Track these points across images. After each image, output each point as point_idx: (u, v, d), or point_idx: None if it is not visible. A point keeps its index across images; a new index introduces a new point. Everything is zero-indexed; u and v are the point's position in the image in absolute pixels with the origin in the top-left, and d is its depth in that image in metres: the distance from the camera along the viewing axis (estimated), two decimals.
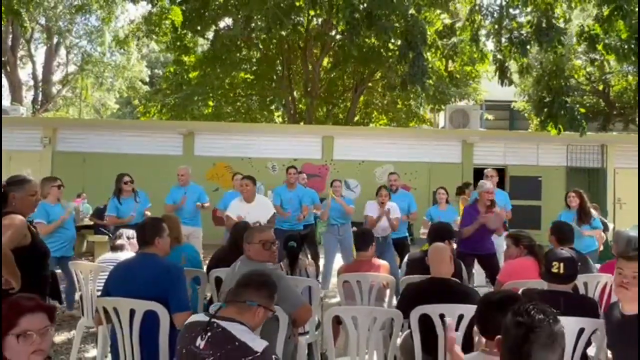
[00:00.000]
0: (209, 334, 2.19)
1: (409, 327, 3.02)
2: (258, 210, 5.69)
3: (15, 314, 1.85)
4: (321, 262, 7.17)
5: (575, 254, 4.22)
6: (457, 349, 2.16)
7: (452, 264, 3.30)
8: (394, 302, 3.92)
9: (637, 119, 18.20)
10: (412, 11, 9.20)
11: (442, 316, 2.85)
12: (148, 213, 6.34)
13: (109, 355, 3.47)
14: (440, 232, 4.25)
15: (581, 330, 2.63)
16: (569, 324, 2.66)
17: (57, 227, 5.36)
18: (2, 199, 2.97)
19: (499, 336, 1.73)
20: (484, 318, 2.06)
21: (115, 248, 4.37)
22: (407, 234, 6.97)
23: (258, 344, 2.16)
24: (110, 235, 6.88)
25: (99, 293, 3.44)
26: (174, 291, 2.97)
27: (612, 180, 12.82)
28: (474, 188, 9.76)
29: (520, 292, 2.99)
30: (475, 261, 5.67)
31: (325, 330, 3.10)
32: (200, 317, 2.34)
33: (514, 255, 4.06)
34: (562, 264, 2.85)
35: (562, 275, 2.87)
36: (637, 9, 7.03)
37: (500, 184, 10.34)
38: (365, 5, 8.08)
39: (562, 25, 9.25)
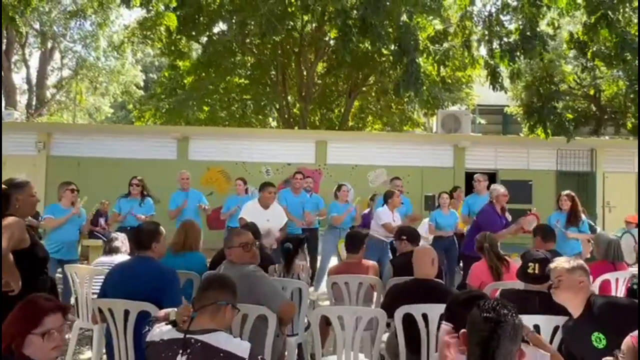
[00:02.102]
0: (188, 351, 2.12)
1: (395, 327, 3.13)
2: (275, 217, 5.77)
3: (40, 314, 2.01)
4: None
5: (555, 256, 4.37)
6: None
7: (435, 266, 3.42)
8: None
9: (627, 123, 18.42)
10: (404, 18, 9.37)
11: (424, 316, 2.97)
12: (142, 217, 6.45)
13: (104, 356, 3.56)
14: (412, 234, 4.43)
15: (556, 328, 2.76)
16: (544, 322, 2.79)
17: (63, 223, 5.54)
18: (5, 201, 3.07)
19: (463, 330, 1.86)
20: (453, 315, 2.20)
21: (110, 251, 4.46)
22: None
23: (243, 349, 2.13)
24: (104, 239, 6.97)
25: (95, 296, 3.54)
26: (168, 293, 3.07)
27: (602, 184, 12.99)
28: (464, 192, 9.93)
29: (499, 292, 3.13)
30: None
31: (312, 331, 3.21)
32: (172, 333, 2.24)
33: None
34: (537, 265, 3.00)
35: (537, 276, 3.01)
36: (621, 18, 7.21)
37: None
38: (359, 12, 8.22)
39: (550, 32, 9.44)
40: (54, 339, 2.00)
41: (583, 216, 6.25)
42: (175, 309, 2.43)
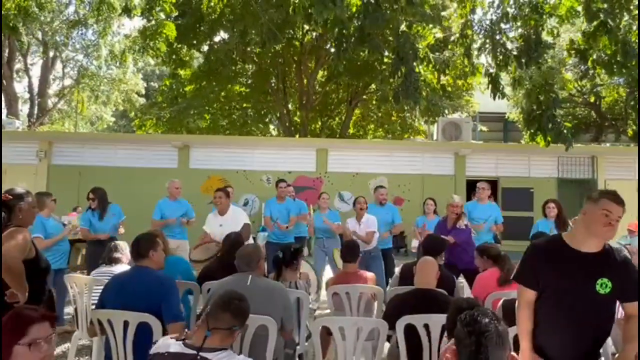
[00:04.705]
0: None
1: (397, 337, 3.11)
2: (230, 222, 5.70)
3: (24, 324, 1.96)
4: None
5: None
6: None
7: (437, 278, 3.40)
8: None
9: (628, 130, 18.45)
10: (403, 27, 9.37)
11: (426, 326, 2.95)
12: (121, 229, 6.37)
13: None
14: (432, 245, 4.38)
15: None
16: None
17: (50, 245, 5.42)
18: (8, 211, 3.07)
19: (453, 347, 1.83)
20: (453, 323, 2.17)
21: (110, 261, 4.44)
22: (391, 245, 7.05)
23: None
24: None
25: (94, 306, 3.52)
26: (167, 302, 3.06)
27: None
28: (465, 199, 9.91)
29: (501, 303, 3.10)
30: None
31: (313, 341, 3.19)
32: (179, 347, 2.29)
33: (482, 268, 4.17)
34: None
35: None
36: (621, 26, 7.21)
37: (493, 196, 10.47)
38: (358, 22, 8.22)
39: (550, 40, 9.45)
40: (41, 349, 1.95)
41: (570, 222, 6.25)
42: (187, 331, 2.51)
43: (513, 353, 1.85)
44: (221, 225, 5.57)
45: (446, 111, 15.50)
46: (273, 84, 18.06)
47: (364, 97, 18.26)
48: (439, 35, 12.11)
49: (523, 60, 8.44)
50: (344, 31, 7.70)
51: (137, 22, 45.93)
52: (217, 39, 16.87)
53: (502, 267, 3.89)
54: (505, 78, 9.96)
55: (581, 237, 2.42)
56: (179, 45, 15.57)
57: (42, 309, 2.10)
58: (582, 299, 2.36)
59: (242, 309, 2.44)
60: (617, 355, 2.51)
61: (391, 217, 6.83)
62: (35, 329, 1.96)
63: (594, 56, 8.30)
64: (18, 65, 23.35)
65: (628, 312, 2.43)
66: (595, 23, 7.39)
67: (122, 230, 6.39)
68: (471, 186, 11.97)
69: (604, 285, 2.33)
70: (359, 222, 6.37)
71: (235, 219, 5.82)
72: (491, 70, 9.19)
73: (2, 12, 9.05)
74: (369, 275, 4.24)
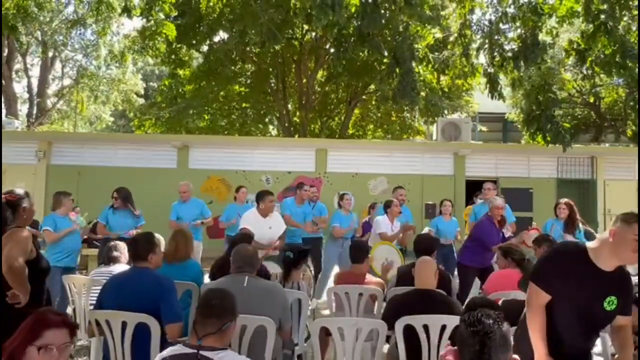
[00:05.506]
0: None
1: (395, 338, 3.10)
2: (277, 225, 5.71)
3: (41, 326, 1.92)
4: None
5: None
6: None
7: (436, 278, 3.40)
8: None
9: (627, 131, 18.45)
10: (400, 28, 9.40)
11: (425, 327, 2.94)
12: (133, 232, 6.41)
13: None
14: (425, 245, 4.37)
15: None
16: None
17: (64, 236, 5.50)
18: (13, 211, 3.08)
19: (454, 348, 1.82)
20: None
21: (109, 261, 4.43)
22: (401, 247, 7.04)
23: None
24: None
25: (92, 307, 3.51)
26: (165, 303, 3.05)
27: (603, 192, 12.95)
28: (465, 200, 9.90)
29: (500, 302, 3.09)
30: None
31: (312, 341, 3.19)
32: (180, 349, 2.27)
33: (502, 266, 4.18)
34: None
35: None
36: (619, 26, 7.22)
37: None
38: (357, 22, 8.23)
39: (549, 40, 9.47)
40: (52, 355, 1.89)
41: (580, 225, 6.22)
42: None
43: (515, 356, 1.83)
44: (270, 227, 5.57)
45: (445, 111, 15.49)
46: (272, 84, 18.04)
47: (364, 97, 18.24)
48: (439, 35, 12.13)
49: (521, 62, 8.47)
50: (343, 32, 7.72)
51: (136, 22, 45.98)
52: (216, 39, 16.86)
53: (526, 272, 3.85)
54: (504, 79, 9.98)
55: (605, 256, 2.36)
56: (179, 45, 15.54)
57: (65, 316, 2.04)
58: (588, 313, 2.38)
59: (225, 307, 2.35)
60: (616, 356, 2.52)
61: (406, 218, 6.87)
62: (51, 333, 1.92)
63: (593, 57, 8.32)
64: (17, 66, 23.31)
65: (619, 324, 2.45)
66: (595, 24, 7.40)
67: (133, 232, 6.39)
68: (471, 186, 11.98)
69: (610, 303, 2.35)
70: (392, 222, 6.33)
71: (279, 222, 5.87)
72: (489, 71, 9.21)
73: (2, 12, 9.04)
74: (374, 279, 4.23)
